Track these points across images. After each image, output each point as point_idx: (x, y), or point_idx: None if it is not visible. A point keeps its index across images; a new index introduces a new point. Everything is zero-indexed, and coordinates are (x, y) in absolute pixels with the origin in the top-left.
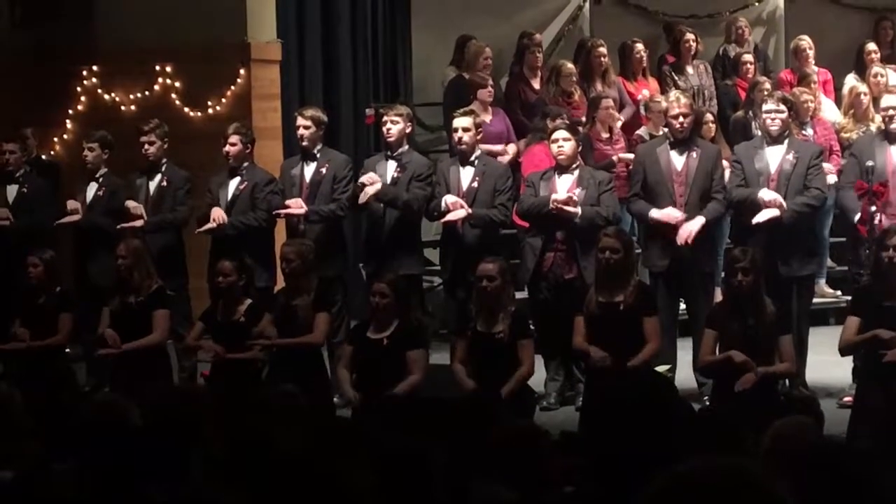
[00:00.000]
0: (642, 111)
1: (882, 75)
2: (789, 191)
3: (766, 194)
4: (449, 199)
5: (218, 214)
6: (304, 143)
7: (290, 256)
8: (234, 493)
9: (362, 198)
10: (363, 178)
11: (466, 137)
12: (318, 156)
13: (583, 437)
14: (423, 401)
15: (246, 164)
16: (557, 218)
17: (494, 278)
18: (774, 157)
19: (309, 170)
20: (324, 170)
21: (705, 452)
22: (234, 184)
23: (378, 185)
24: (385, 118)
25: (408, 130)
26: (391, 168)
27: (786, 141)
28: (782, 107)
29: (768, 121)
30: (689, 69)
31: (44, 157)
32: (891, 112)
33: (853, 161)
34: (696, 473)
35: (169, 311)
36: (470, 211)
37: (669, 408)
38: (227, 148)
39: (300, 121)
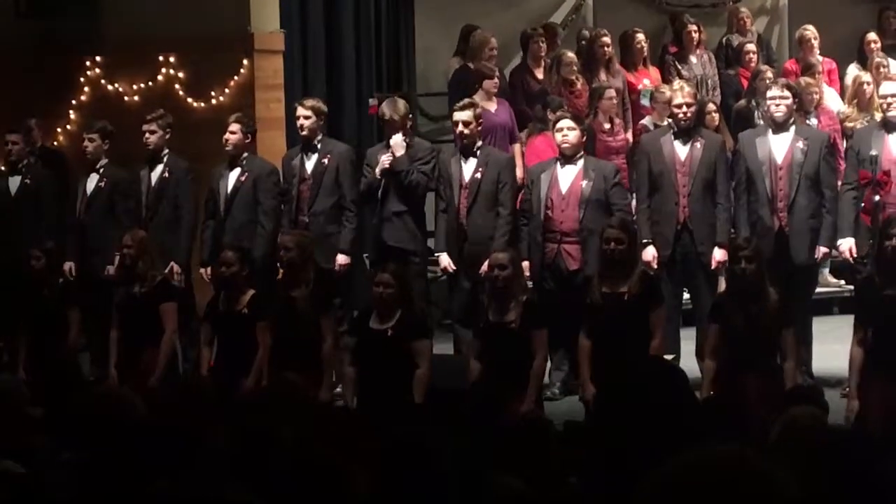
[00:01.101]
0: (643, 101)
1: (885, 65)
2: (802, 181)
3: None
4: (444, 260)
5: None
6: (305, 133)
7: (289, 245)
8: (237, 486)
9: (378, 169)
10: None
11: (467, 131)
12: (319, 146)
13: (590, 426)
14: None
15: (245, 154)
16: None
17: (506, 267)
18: (781, 145)
19: (310, 161)
20: (326, 161)
21: (709, 441)
22: (234, 175)
23: (391, 157)
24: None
25: (409, 125)
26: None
27: (792, 128)
28: (787, 93)
29: (773, 107)
30: (693, 58)
31: (49, 146)
32: (889, 99)
33: (853, 161)
34: (696, 462)
35: (175, 303)
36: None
37: (680, 397)
38: (227, 136)
39: (300, 111)
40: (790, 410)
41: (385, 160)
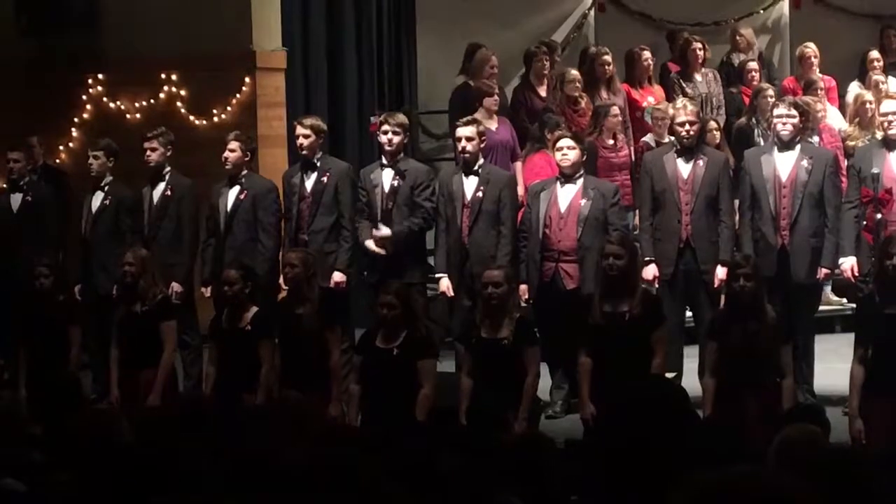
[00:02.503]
0: (647, 119)
1: (883, 82)
2: (805, 200)
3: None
4: (444, 284)
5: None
6: (304, 152)
7: (295, 262)
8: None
9: (371, 245)
10: (371, 242)
11: (470, 147)
12: (318, 164)
13: (588, 444)
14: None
15: (245, 172)
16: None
17: (500, 284)
18: (786, 164)
19: (309, 179)
20: (325, 179)
21: (711, 461)
22: (233, 193)
23: (386, 232)
24: (385, 126)
25: (405, 141)
26: (388, 177)
27: (797, 146)
28: (794, 111)
29: (779, 125)
30: (698, 77)
31: (51, 164)
32: (890, 117)
33: (854, 179)
34: (717, 482)
35: (175, 321)
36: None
37: (681, 415)
38: (226, 154)
39: (299, 129)
40: (787, 428)
41: (375, 247)
